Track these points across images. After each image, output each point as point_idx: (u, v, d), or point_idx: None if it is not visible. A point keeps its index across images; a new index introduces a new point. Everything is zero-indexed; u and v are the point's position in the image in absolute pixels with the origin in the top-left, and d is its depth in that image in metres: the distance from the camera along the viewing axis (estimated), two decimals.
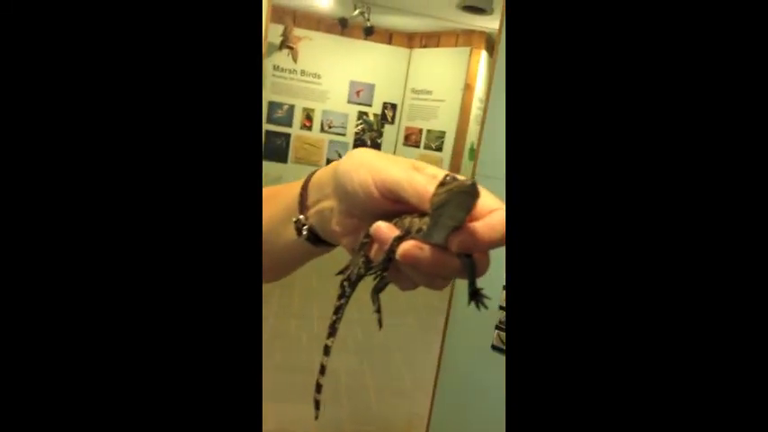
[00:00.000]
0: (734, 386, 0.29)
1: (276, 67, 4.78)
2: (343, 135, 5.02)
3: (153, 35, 0.32)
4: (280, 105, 4.86)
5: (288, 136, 4.91)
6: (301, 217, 0.42)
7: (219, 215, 0.33)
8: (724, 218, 0.29)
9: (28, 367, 0.30)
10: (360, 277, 0.39)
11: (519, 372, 0.32)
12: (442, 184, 0.31)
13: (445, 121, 4.75)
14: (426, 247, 0.33)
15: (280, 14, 4.55)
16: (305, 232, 0.42)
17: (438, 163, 4.70)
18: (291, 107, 4.89)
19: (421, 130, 4.90)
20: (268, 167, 4.73)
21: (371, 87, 4.99)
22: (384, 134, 5.12)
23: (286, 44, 4.74)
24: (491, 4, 3.79)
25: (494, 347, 1.76)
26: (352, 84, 4.98)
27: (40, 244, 0.30)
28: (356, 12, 4.36)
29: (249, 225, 0.34)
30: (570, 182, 0.32)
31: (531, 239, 0.32)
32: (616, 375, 0.31)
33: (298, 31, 4.79)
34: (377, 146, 5.10)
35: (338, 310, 0.40)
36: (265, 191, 0.47)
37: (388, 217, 0.36)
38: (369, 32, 4.59)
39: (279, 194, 0.45)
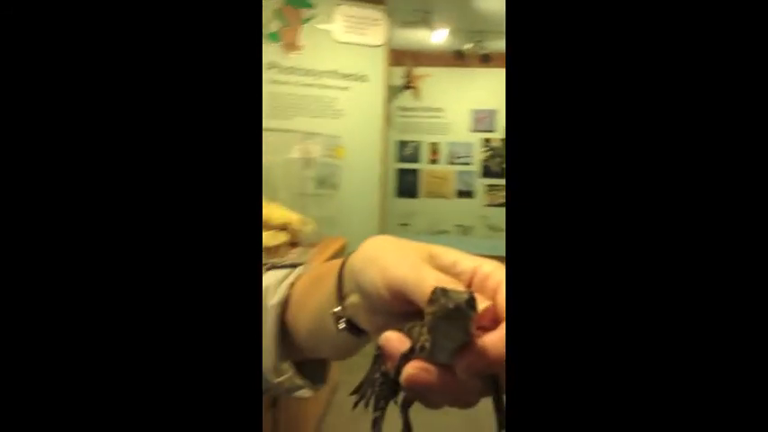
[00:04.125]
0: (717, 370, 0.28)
1: (402, 108, 4.99)
2: (470, 164, 5.01)
3: (152, 36, 0.32)
4: (407, 143, 5.05)
5: (416, 172, 5.06)
6: (338, 309, 0.37)
7: (221, 212, 0.32)
8: (723, 218, 0.29)
9: (28, 366, 0.29)
10: (380, 398, 0.31)
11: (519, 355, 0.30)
12: (430, 301, 0.26)
13: None
14: (433, 369, 0.27)
15: (399, 57, 4.76)
16: (342, 325, 0.36)
17: None
18: (418, 143, 5.05)
19: None
20: (399, 204, 4.90)
21: (493, 113, 4.93)
22: None
23: (408, 85, 4.94)
24: None
25: None
26: (474, 112, 4.98)
27: (41, 246, 0.30)
28: (470, 44, 4.40)
29: (249, 227, 0.32)
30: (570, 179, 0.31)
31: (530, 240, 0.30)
32: (613, 365, 0.29)
33: (418, 70, 4.96)
34: (503, 171, 4.99)
35: (375, 425, 0.32)
36: (312, 272, 0.44)
37: (408, 317, 0.30)
38: (486, 60, 4.58)
39: (323, 278, 0.40)
